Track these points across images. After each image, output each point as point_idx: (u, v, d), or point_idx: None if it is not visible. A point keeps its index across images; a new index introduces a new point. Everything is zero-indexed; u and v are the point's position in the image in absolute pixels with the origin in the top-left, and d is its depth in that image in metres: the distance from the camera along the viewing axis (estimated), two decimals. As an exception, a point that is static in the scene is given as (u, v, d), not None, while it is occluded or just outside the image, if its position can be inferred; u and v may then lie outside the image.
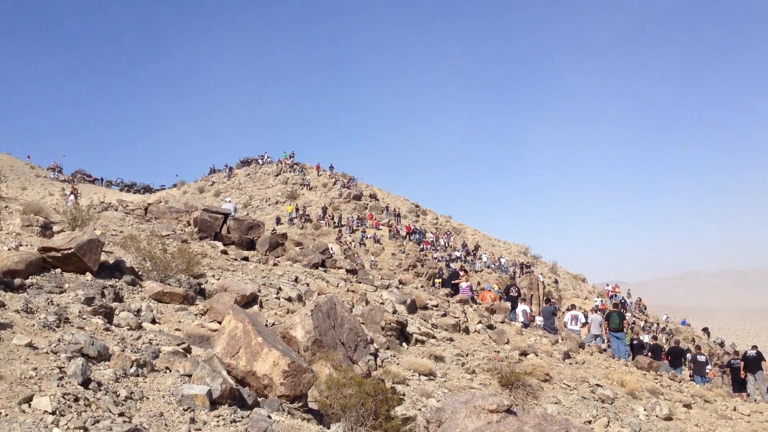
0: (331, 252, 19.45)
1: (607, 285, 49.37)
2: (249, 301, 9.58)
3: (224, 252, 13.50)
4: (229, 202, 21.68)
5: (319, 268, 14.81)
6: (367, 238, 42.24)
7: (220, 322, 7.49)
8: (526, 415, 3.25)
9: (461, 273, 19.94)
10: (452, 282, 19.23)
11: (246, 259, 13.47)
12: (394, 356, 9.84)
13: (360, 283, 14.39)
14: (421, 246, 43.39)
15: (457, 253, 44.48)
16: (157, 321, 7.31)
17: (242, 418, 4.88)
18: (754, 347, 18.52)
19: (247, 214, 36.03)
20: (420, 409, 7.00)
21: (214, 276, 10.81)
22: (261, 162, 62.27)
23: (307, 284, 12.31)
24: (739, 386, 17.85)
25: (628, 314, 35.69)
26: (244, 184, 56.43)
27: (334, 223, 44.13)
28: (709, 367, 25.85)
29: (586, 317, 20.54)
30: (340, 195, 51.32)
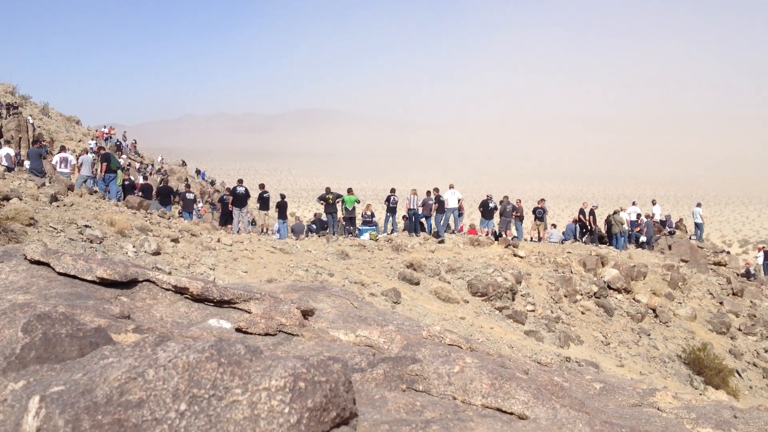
0: None
1: (104, 127, 48.36)
2: None
3: None
4: None
5: None
6: None
7: None
8: None
9: None
10: None
11: None
12: None
13: None
14: None
15: None
16: None
17: None
18: (240, 181, 20.89)
19: None
20: None
21: None
22: None
23: None
24: (227, 219, 20.22)
25: (124, 156, 36.52)
26: None
27: None
28: (199, 204, 28.85)
29: (77, 159, 20.42)
30: None
